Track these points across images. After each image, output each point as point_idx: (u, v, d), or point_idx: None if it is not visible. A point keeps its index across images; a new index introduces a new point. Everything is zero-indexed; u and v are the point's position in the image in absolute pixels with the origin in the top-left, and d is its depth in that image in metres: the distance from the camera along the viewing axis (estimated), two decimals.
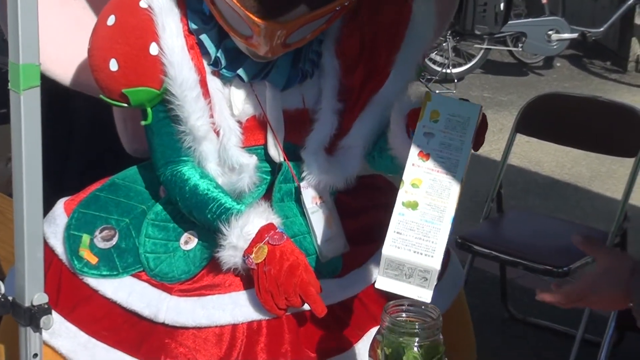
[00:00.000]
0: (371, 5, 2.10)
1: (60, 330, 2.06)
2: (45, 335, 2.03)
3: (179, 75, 1.98)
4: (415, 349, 1.63)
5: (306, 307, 1.98)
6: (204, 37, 2.01)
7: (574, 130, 3.65)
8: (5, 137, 1.86)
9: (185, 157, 2.04)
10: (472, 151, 1.92)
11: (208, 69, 2.04)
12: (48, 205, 2.11)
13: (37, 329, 1.80)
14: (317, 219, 2.10)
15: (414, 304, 1.69)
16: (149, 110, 2.02)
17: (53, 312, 2.04)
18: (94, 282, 2.06)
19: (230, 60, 2.03)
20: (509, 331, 3.72)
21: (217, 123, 2.02)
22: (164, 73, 1.98)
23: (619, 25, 7.80)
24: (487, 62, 7.50)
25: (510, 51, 7.72)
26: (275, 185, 2.12)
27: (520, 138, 3.76)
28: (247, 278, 2.02)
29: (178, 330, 2.01)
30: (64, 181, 3.19)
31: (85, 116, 3.28)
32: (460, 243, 3.35)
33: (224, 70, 2.03)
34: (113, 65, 1.98)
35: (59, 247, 2.12)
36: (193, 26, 2.01)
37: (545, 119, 3.68)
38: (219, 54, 2.01)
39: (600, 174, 5.44)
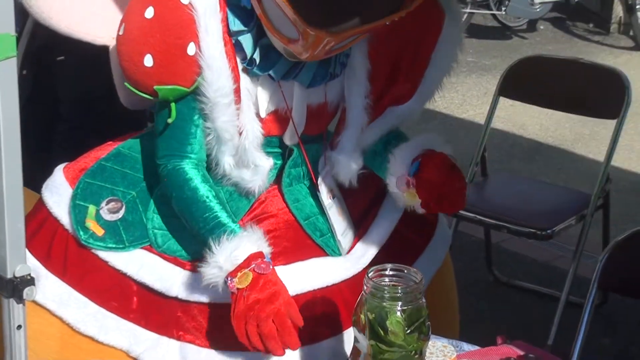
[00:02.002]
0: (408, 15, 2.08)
1: (69, 301, 2.05)
2: (53, 305, 2.04)
3: (215, 81, 1.94)
4: (398, 313, 1.63)
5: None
6: (242, 39, 1.96)
7: (557, 93, 3.65)
8: None
9: (191, 153, 2.01)
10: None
11: (240, 68, 1.99)
12: (33, 177, 2.10)
13: (20, 300, 1.80)
14: (334, 214, 2.12)
15: (397, 268, 1.70)
16: (173, 105, 1.98)
17: (61, 282, 2.06)
18: (102, 253, 2.05)
19: (263, 59, 1.99)
20: (494, 294, 3.74)
21: (241, 123, 1.99)
22: (199, 74, 1.93)
23: None
24: (471, 26, 7.48)
25: (493, 15, 7.70)
26: (284, 170, 2.12)
27: (503, 102, 3.75)
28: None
29: (191, 305, 2.01)
30: (51, 148, 3.19)
31: (73, 76, 3.27)
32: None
33: (256, 69, 1.99)
34: (148, 61, 1.92)
35: (64, 217, 2.10)
36: (233, 28, 1.95)
37: (529, 82, 3.67)
38: (255, 55, 1.97)
39: (583, 136, 5.45)
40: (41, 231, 2.11)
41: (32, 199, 2.19)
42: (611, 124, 3.47)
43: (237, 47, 1.97)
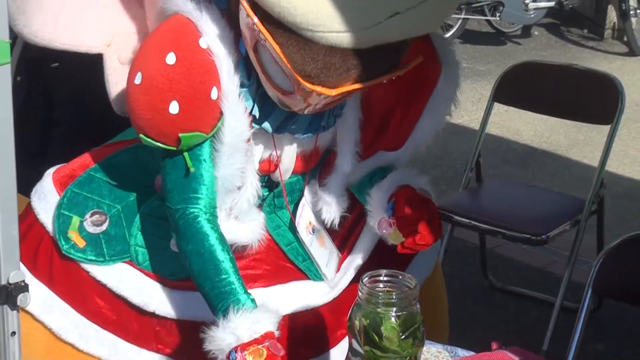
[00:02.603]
0: None
1: (52, 307, 2.05)
2: (36, 310, 2.05)
3: (237, 126, 1.89)
4: (393, 319, 1.63)
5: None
6: (244, 92, 1.91)
7: (551, 99, 3.65)
8: None
9: (205, 199, 1.93)
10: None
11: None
12: (28, 183, 2.09)
13: (14, 306, 1.79)
14: (315, 247, 2.10)
15: (391, 274, 1.70)
16: (187, 155, 1.91)
17: (45, 287, 2.06)
18: (84, 264, 2.04)
19: (260, 111, 1.95)
20: (488, 299, 3.74)
21: (244, 176, 1.97)
22: (219, 119, 1.88)
23: None
24: (465, 32, 7.49)
25: (488, 20, 7.71)
26: (266, 199, 2.11)
27: (498, 107, 3.76)
28: (244, 280, 1.95)
29: (169, 321, 2.01)
30: (46, 154, 3.19)
31: (68, 82, 3.27)
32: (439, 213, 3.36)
33: (254, 124, 1.96)
34: (174, 108, 1.84)
35: (49, 224, 2.09)
36: (239, 79, 1.91)
37: (523, 88, 3.67)
38: (254, 111, 1.93)
39: (577, 141, 5.46)
40: (28, 236, 2.09)
41: (25, 204, 2.19)
42: (605, 129, 3.47)
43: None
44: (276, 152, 2.02)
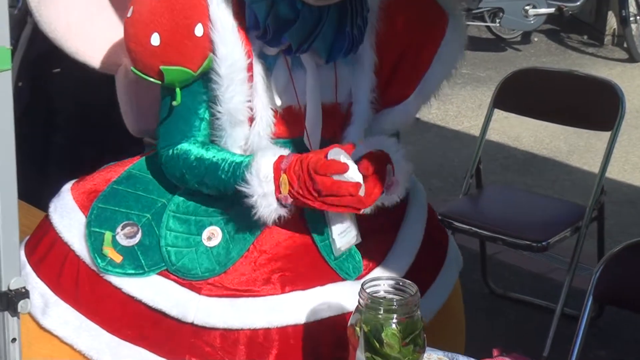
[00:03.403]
0: (411, 13, 2.08)
1: (80, 329, 2.01)
2: (64, 332, 2.01)
3: (230, 55, 1.93)
4: (394, 325, 1.63)
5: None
6: (256, 6, 1.93)
7: (551, 105, 3.66)
8: None
9: (194, 137, 2.00)
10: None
11: (254, 53, 1.97)
12: (30, 190, 2.09)
13: (15, 313, 1.79)
14: (334, 214, 2.05)
15: (392, 280, 1.70)
16: (178, 91, 1.96)
17: (72, 309, 2.02)
18: (116, 279, 2.00)
19: (277, 31, 1.95)
20: (489, 306, 3.74)
21: (255, 110, 1.98)
22: (206, 57, 1.92)
23: None
24: None
25: (488, 27, 7.72)
26: None
27: (498, 113, 3.76)
28: (280, 282, 1.98)
29: (205, 330, 1.97)
30: (48, 159, 3.19)
31: (69, 88, 3.28)
32: (440, 219, 3.36)
33: (269, 44, 1.97)
34: (155, 40, 1.91)
35: (75, 242, 2.05)
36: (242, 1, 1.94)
37: (523, 94, 3.68)
38: (268, 22, 1.93)
39: (578, 148, 5.46)
40: (51, 255, 2.07)
41: (27, 211, 2.19)
42: (606, 135, 3.48)
43: (250, 19, 1.95)
44: (297, 97, 2.00)
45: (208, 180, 1.96)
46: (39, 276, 2.06)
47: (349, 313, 2.02)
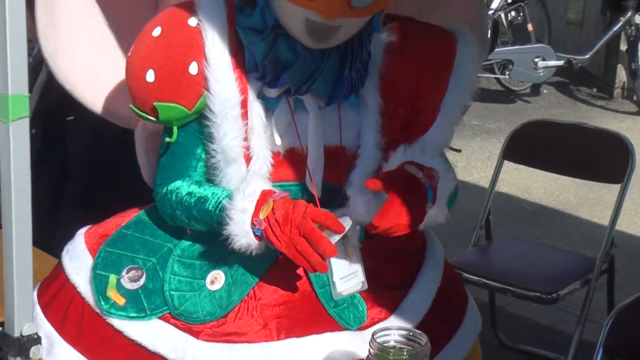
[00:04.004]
0: (417, 44, 2.07)
1: None
2: None
3: (223, 92, 1.95)
4: None
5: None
6: (254, 48, 1.96)
7: (561, 157, 3.67)
8: None
9: (190, 177, 2.02)
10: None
11: (252, 92, 1.99)
12: (41, 236, 2.10)
13: (27, 358, 1.80)
14: (338, 256, 1.99)
15: (402, 330, 1.70)
16: (175, 129, 1.99)
17: (73, 349, 2.02)
18: (118, 323, 2.01)
19: (276, 71, 1.97)
20: (499, 358, 3.72)
21: (252, 148, 1.99)
22: (201, 95, 1.95)
23: (605, 52, 7.86)
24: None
25: (497, 79, 7.76)
26: None
27: (508, 165, 3.77)
28: (277, 329, 1.98)
29: None
30: (60, 207, 3.20)
31: (83, 135, 3.29)
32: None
33: (268, 85, 1.98)
34: (150, 76, 1.95)
35: (82, 284, 2.06)
36: (244, 39, 1.97)
37: (533, 146, 3.69)
38: (266, 63, 1.96)
39: (587, 200, 5.46)
40: (59, 297, 2.09)
41: (39, 257, 2.20)
42: (615, 188, 3.48)
43: (249, 60, 1.98)
44: (299, 138, 2.01)
45: (196, 212, 1.97)
46: (46, 317, 2.07)
47: None
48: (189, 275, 2.03)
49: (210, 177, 2.03)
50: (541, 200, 5.50)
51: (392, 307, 2.10)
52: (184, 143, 2.02)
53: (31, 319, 1.79)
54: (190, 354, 1.97)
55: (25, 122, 1.71)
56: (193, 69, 1.95)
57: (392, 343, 1.68)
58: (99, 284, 2.04)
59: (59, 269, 2.13)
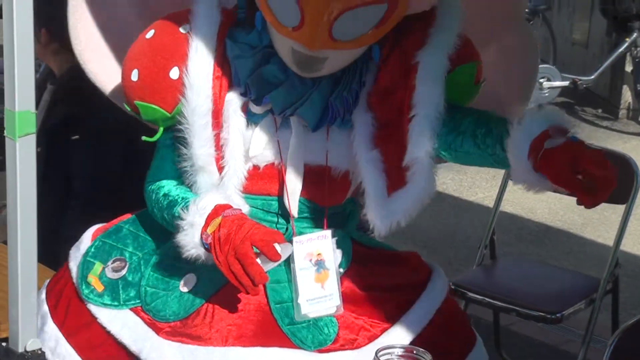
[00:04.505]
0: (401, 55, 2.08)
1: (60, 350, 2.08)
2: (48, 353, 2.06)
3: (193, 100, 2.00)
4: None
5: None
6: (238, 63, 2.03)
7: None
8: (1, 184, 1.88)
9: (162, 178, 2.09)
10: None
11: (233, 105, 2.03)
12: (46, 252, 2.13)
13: None
14: (305, 278, 2.02)
15: (406, 348, 1.70)
16: (160, 129, 2.06)
17: (57, 330, 2.10)
18: (94, 309, 2.09)
19: (261, 90, 2.03)
20: None
21: (225, 159, 2.04)
22: (183, 95, 2.01)
23: (610, 72, 7.86)
24: None
25: None
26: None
27: (512, 185, 3.76)
28: (225, 336, 2.00)
29: None
30: (63, 225, 3.21)
31: (87, 155, 3.30)
32: (453, 289, 3.35)
33: (253, 102, 2.03)
34: (134, 75, 2.03)
35: (74, 271, 2.17)
36: (230, 54, 2.03)
37: None
38: (248, 81, 2.02)
39: (592, 220, 5.46)
40: (59, 283, 2.19)
41: (45, 274, 2.23)
42: (620, 208, 3.48)
43: (235, 74, 2.03)
44: (280, 153, 2.03)
45: (167, 215, 2.05)
46: (45, 298, 2.17)
47: None
48: (167, 275, 2.09)
49: (185, 182, 2.07)
50: (546, 220, 5.49)
51: (371, 337, 2.05)
52: (167, 144, 2.09)
53: (35, 334, 1.80)
54: (147, 348, 2.03)
55: (32, 139, 1.72)
56: (174, 73, 2.01)
57: None
58: (85, 269, 2.14)
59: (65, 267, 2.23)
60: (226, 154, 2.03)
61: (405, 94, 2.05)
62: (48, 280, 2.24)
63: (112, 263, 2.13)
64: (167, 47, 2.02)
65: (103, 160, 3.29)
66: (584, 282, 3.48)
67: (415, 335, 2.08)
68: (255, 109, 2.05)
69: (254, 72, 2.02)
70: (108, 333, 2.06)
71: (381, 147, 2.07)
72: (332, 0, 1.90)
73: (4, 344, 1.82)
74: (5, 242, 1.87)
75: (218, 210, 1.93)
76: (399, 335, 2.06)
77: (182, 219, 1.95)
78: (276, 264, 1.92)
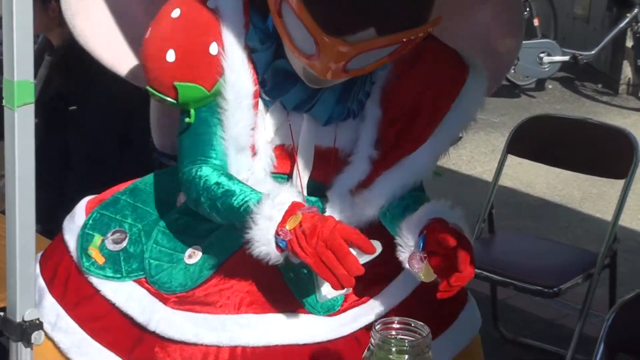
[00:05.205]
0: (430, 64, 2.07)
1: (60, 324, 2.08)
2: (47, 327, 2.06)
3: (237, 82, 1.96)
4: None
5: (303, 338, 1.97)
6: (256, 56, 1.98)
7: (565, 152, 3.67)
8: None
9: (215, 159, 2.00)
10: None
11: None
12: (45, 218, 2.14)
13: (29, 344, 1.81)
14: None
15: (404, 322, 1.70)
16: (192, 111, 1.99)
17: (57, 305, 2.09)
18: (96, 281, 2.07)
19: (276, 85, 2.00)
20: (500, 351, 3.72)
21: (256, 141, 2.01)
22: (220, 75, 1.95)
23: (611, 48, 7.85)
24: None
25: None
26: None
27: (511, 159, 3.78)
28: (238, 303, 2.00)
29: (166, 341, 2.01)
30: (61, 195, 3.21)
31: (84, 127, 3.31)
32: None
33: (266, 94, 2.01)
34: (170, 56, 1.94)
35: (72, 243, 2.14)
36: (250, 43, 1.99)
37: (537, 141, 3.69)
38: (266, 76, 1.99)
39: (590, 195, 5.46)
40: (54, 256, 2.17)
41: (43, 245, 2.23)
42: (619, 183, 3.48)
43: (255, 65, 1.99)
44: (292, 136, 2.02)
45: (220, 204, 1.94)
46: (40, 272, 2.16)
47: (306, 345, 2.01)
48: (170, 247, 2.07)
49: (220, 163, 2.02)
50: (544, 195, 5.50)
51: (370, 293, 2.09)
52: (204, 123, 2.01)
53: (33, 304, 1.80)
54: (156, 318, 2.02)
55: (31, 109, 1.72)
56: (213, 49, 1.95)
57: (393, 334, 1.68)
58: (84, 242, 2.11)
59: (60, 231, 2.21)
60: (257, 136, 2.01)
61: (421, 100, 2.07)
62: (40, 254, 2.21)
63: (111, 235, 2.11)
64: (200, 22, 1.96)
65: (101, 132, 3.29)
66: (582, 257, 3.49)
67: (410, 291, 2.12)
68: (269, 97, 2.02)
69: (269, 67, 1.99)
70: (112, 305, 2.06)
71: (380, 145, 2.08)
72: (347, 46, 1.85)
73: (1, 313, 1.82)
74: (3, 212, 1.87)
75: (294, 207, 1.84)
76: (393, 292, 2.11)
77: (252, 213, 1.84)
78: (369, 258, 1.83)
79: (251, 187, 1.95)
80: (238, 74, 1.96)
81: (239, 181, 1.97)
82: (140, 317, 2.03)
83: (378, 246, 1.86)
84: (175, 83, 1.95)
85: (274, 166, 2.04)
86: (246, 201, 1.89)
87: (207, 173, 1.98)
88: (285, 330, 2.01)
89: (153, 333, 2.02)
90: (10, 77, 1.69)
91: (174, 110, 2.11)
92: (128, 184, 2.20)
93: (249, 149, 2.01)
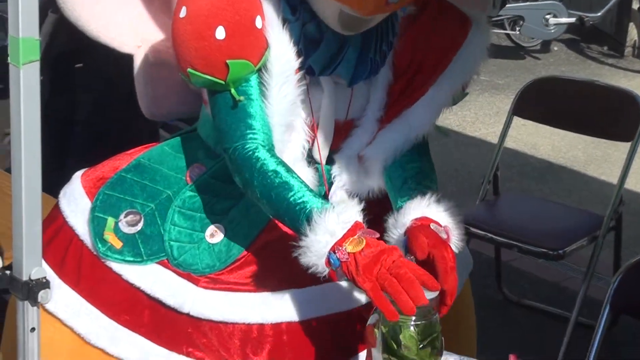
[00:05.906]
0: (433, 17, 2.05)
1: (80, 311, 2.03)
2: (64, 315, 2.02)
3: (283, 55, 1.90)
4: (412, 327, 1.64)
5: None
6: (289, 28, 1.92)
7: (570, 114, 3.66)
8: (3, 112, 1.86)
9: (262, 133, 1.92)
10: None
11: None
12: (49, 181, 2.10)
13: (35, 302, 1.81)
14: None
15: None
16: (234, 91, 1.90)
17: (73, 291, 2.03)
18: (117, 266, 2.01)
19: (305, 54, 1.94)
20: (503, 313, 3.74)
21: (296, 116, 1.97)
22: (265, 49, 1.90)
23: (617, 10, 7.81)
24: None
25: (507, 34, 7.71)
26: None
27: (516, 121, 3.76)
28: (277, 279, 1.98)
29: (202, 322, 1.98)
30: (67, 153, 3.21)
31: (89, 93, 3.29)
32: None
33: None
34: (220, 33, 1.85)
35: (80, 227, 2.07)
36: (283, 14, 1.93)
37: (542, 103, 3.68)
38: (301, 46, 1.93)
39: (595, 157, 5.45)
40: (56, 240, 2.09)
41: (48, 202, 2.20)
42: (624, 146, 3.47)
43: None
44: (312, 111, 2.00)
45: (274, 194, 1.86)
46: (45, 259, 2.03)
47: (344, 312, 2.01)
48: (189, 227, 2.02)
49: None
50: (549, 157, 5.49)
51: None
52: (246, 99, 1.93)
53: (40, 263, 1.80)
54: (190, 301, 1.98)
55: (36, 66, 1.70)
56: (259, 22, 1.89)
57: None
58: (96, 226, 2.04)
59: (57, 211, 2.13)
60: (297, 110, 1.97)
61: (424, 53, 2.05)
62: None
63: (124, 217, 2.04)
64: None
65: (106, 90, 3.28)
66: (587, 219, 3.49)
67: None
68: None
69: (301, 38, 1.94)
70: (137, 289, 2.00)
71: (387, 105, 2.06)
72: None
73: (8, 272, 1.82)
74: (9, 171, 1.86)
75: (356, 228, 1.77)
76: None
77: (313, 220, 1.77)
78: (432, 295, 1.74)
79: (307, 185, 1.88)
80: (284, 46, 1.91)
81: (296, 175, 1.90)
82: (170, 300, 1.99)
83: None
84: (229, 61, 1.87)
85: (310, 145, 2.01)
86: (304, 202, 1.82)
87: (265, 157, 1.89)
88: (326, 301, 2.00)
89: (187, 314, 1.98)
90: (15, 33, 1.67)
91: (162, 82, 2.09)
92: (127, 160, 2.12)
93: (292, 124, 1.97)
